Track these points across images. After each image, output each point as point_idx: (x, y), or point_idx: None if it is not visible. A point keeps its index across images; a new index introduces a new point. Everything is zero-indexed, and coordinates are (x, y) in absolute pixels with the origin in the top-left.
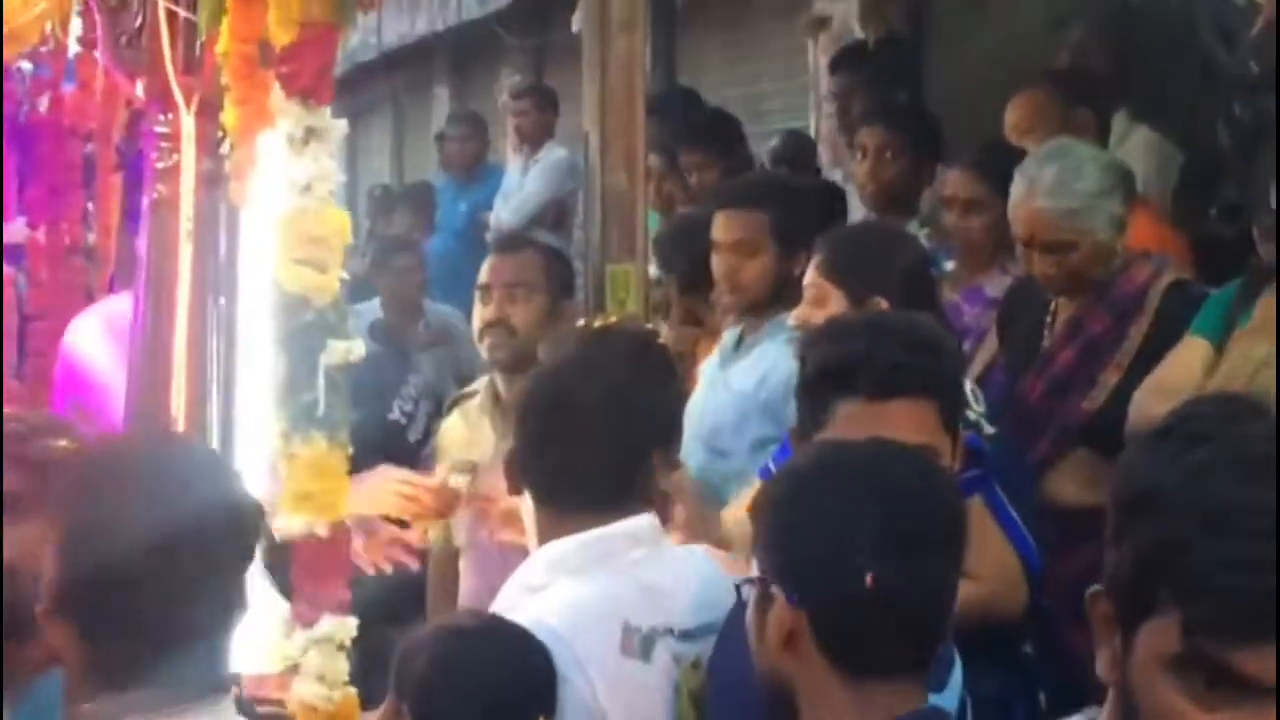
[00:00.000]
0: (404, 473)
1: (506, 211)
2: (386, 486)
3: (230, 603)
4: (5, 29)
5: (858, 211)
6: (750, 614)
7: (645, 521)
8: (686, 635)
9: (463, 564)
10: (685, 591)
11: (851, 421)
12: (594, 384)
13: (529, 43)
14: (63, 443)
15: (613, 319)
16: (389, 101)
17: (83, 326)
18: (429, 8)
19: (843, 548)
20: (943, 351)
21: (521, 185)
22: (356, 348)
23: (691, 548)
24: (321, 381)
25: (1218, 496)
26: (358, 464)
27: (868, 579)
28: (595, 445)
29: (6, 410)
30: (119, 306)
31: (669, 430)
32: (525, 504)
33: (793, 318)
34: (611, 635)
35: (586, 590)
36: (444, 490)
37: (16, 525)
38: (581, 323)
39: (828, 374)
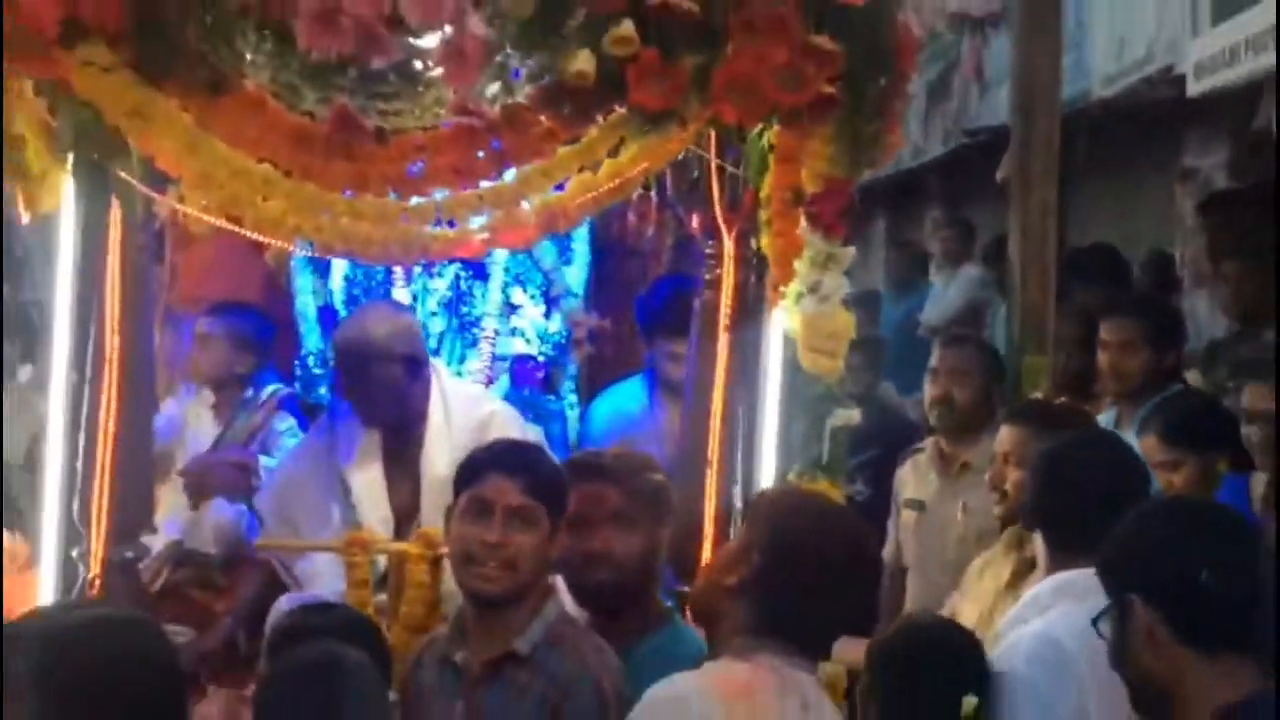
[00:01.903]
0: None
1: (933, 315)
2: None
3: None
4: (618, 180)
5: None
6: (1110, 634)
7: None
8: None
9: (910, 581)
10: None
11: None
12: (1099, 453)
13: (949, 185)
14: (658, 476)
15: (1063, 399)
16: None
17: (627, 389)
18: None
19: (1186, 554)
20: None
21: (944, 294)
22: (855, 415)
23: None
24: (827, 438)
25: None
26: None
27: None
28: (1097, 501)
29: (613, 451)
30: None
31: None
32: (1037, 541)
33: None
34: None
35: (1086, 614)
36: None
37: (625, 535)
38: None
39: None
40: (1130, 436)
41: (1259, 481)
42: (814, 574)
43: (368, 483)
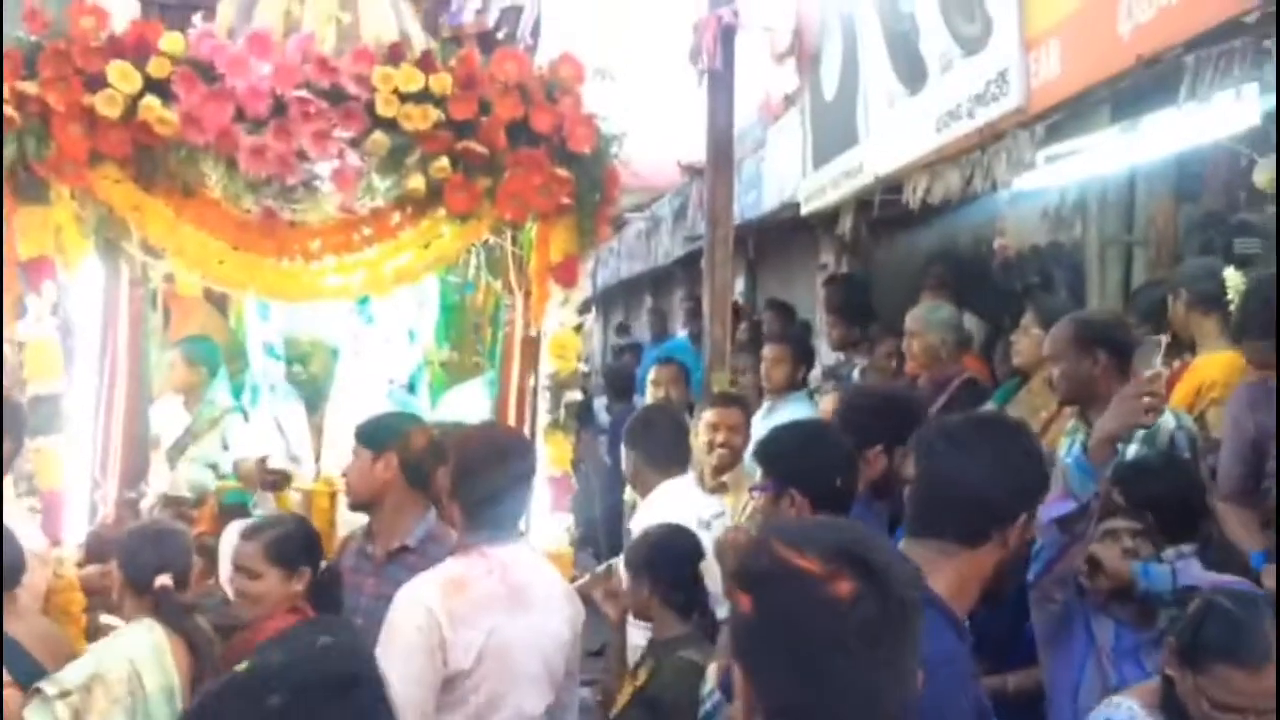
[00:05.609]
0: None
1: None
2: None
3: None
4: (439, 254)
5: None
6: (764, 505)
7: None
8: (706, 523)
9: None
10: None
11: None
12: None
13: (687, 274)
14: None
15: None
16: (621, 303)
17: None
18: (641, 260)
19: (827, 466)
20: None
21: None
22: (578, 394)
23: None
24: (564, 404)
25: None
26: None
27: (837, 481)
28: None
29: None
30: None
31: None
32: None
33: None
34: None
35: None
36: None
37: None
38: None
39: None
40: (781, 417)
41: None
42: (490, 479)
43: (298, 431)
